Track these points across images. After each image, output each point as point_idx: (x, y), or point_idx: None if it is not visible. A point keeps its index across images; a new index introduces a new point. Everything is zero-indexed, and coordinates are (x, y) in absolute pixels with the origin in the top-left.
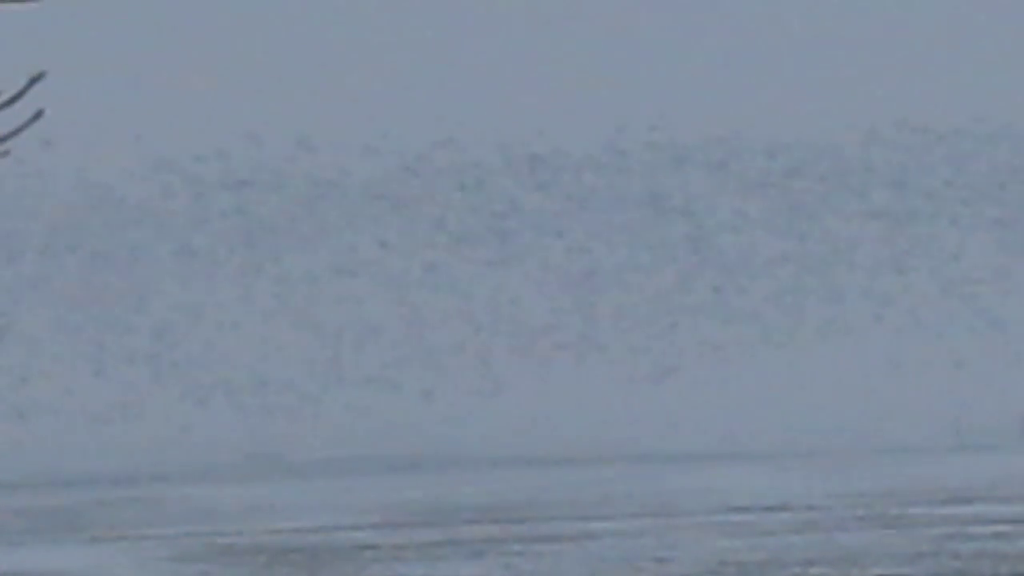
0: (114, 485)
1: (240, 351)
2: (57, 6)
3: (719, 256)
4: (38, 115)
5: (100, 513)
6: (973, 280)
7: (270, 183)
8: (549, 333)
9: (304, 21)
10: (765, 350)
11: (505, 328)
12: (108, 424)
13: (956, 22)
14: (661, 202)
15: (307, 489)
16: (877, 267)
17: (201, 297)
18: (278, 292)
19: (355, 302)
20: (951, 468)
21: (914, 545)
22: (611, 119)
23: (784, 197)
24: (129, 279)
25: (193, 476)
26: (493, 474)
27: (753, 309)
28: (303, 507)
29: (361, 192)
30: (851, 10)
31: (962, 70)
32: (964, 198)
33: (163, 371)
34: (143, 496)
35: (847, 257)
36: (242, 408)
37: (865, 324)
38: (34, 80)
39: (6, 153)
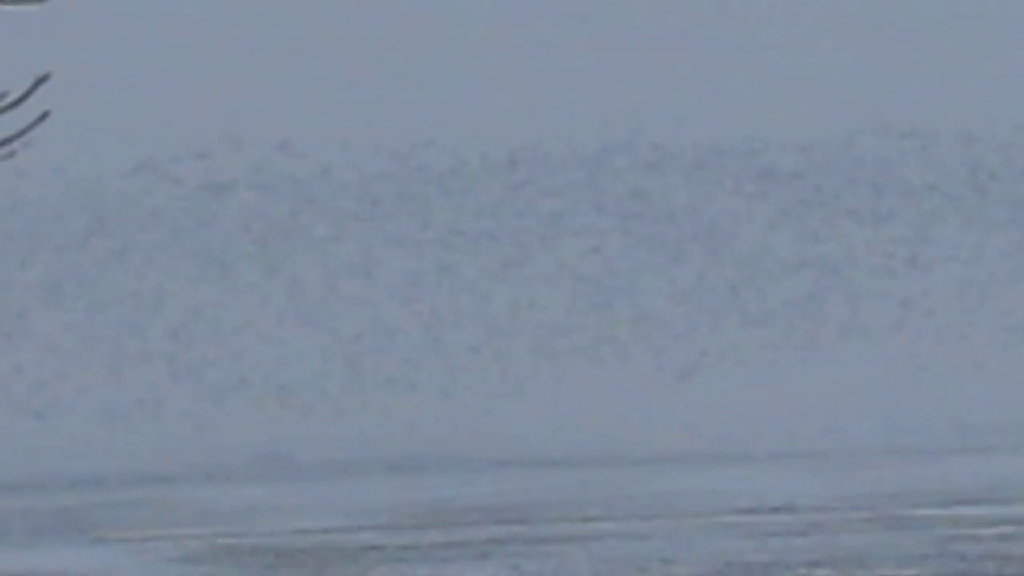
0: (120, 486)
1: (257, 352)
2: (52, 8)
3: (735, 258)
4: (44, 116)
5: (106, 514)
6: (992, 281)
7: (276, 185)
8: (567, 334)
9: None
10: (785, 352)
11: (523, 329)
12: (125, 424)
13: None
14: (672, 203)
15: (312, 490)
16: (895, 269)
17: (216, 298)
18: (293, 293)
19: (370, 303)
20: (956, 470)
21: (919, 546)
22: (622, 122)
23: (798, 198)
24: (144, 281)
25: (199, 477)
26: (498, 475)
27: (772, 311)
28: (308, 508)
29: (371, 194)
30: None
31: (976, 74)
32: (980, 200)
33: (180, 371)
34: (149, 497)
35: (865, 259)
36: (261, 408)
37: (884, 327)
38: (40, 81)
39: (12, 154)
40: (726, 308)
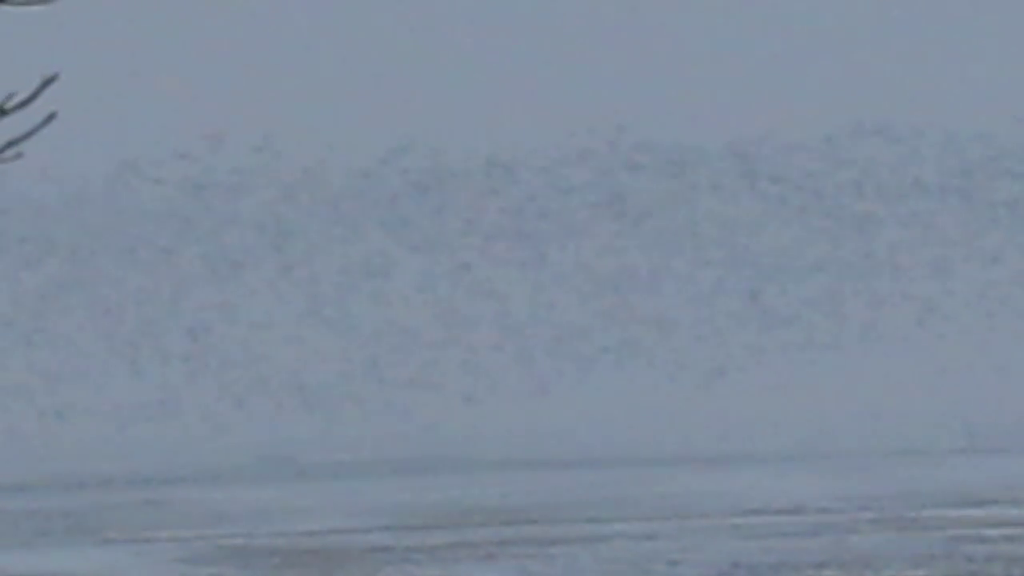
0: (128, 487)
1: (275, 352)
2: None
3: (753, 260)
4: (51, 117)
5: (112, 515)
6: (1014, 283)
7: (287, 186)
8: (588, 335)
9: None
10: (806, 354)
11: (543, 330)
12: (144, 423)
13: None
14: (684, 204)
15: (319, 491)
16: (916, 271)
17: (232, 299)
18: (310, 294)
19: (388, 304)
20: (963, 471)
21: (927, 547)
22: (631, 123)
23: (815, 200)
24: (160, 281)
25: (206, 478)
26: (506, 477)
27: (792, 314)
28: (315, 509)
29: (386, 194)
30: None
31: (987, 74)
32: (1001, 200)
33: (197, 371)
34: (156, 498)
35: (887, 261)
36: (282, 409)
37: (905, 329)
38: (47, 82)
39: (19, 155)
40: (746, 310)
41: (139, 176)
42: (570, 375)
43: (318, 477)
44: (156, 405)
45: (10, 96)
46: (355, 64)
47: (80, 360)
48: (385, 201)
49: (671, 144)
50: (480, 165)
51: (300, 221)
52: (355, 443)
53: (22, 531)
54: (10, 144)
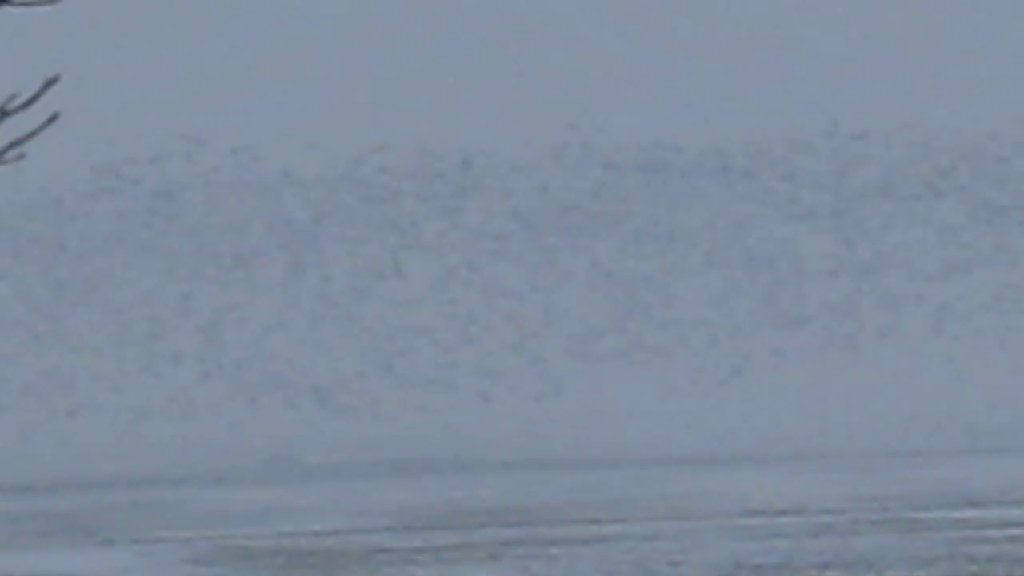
0: (130, 487)
1: (289, 352)
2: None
3: (767, 261)
4: (53, 118)
5: (115, 516)
6: None
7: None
8: (603, 336)
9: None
10: (824, 356)
11: (558, 331)
12: (158, 422)
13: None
14: (701, 205)
15: (322, 492)
16: (932, 273)
17: (243, 299)
18: (322, 295)
19: (401, 304)
20: (966, 472)
21: (929, 548)
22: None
23: (826, 200)
24: (171, 282)
25: (210, 479)
26: (508, 477)
27: (808, 316)
28: (318, 510)
29: (393, 195)
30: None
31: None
32: (1016, 203)
33: (211, 371)
34: (158, 499)
35: (903, 263)
36: (296, 408)
37: (921, 331)
38: (49, 83)
39: (22, 156)
40: (761, 312)
41: (144, 176)
42: (585, 376)
43: (321, 477)
44: (168, 406)
45: (12, 97)
46: (335, 64)
47: (92, 360)
48: (393, 201)
49: (677, 145)
50: (491, 165)
51: (310, 224)
52: (367, 443)
53: (24, 532)
54: (12, 145)
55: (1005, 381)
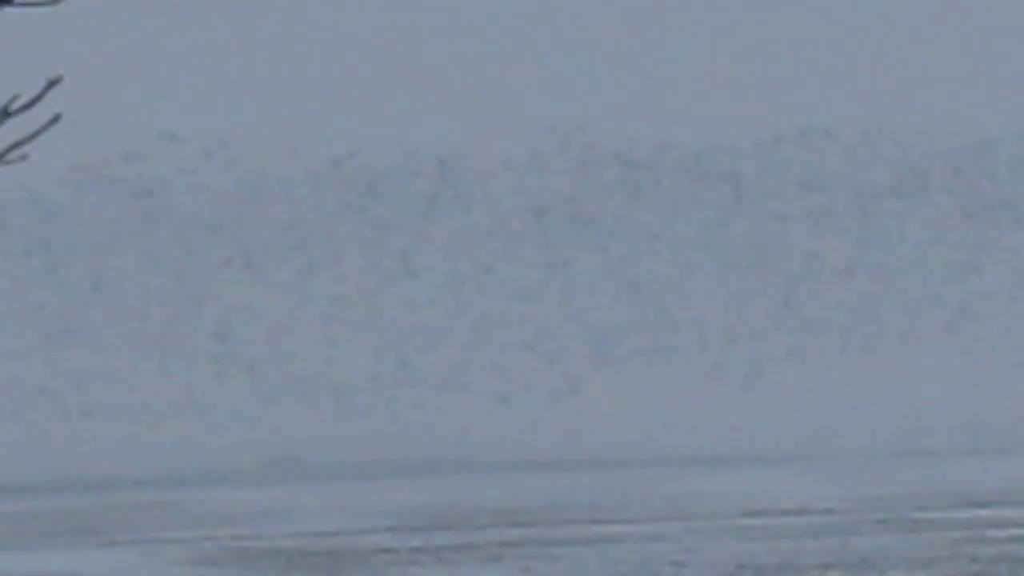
0: (132, 488)
1: (302, 352)
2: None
3: (783, 263)
4: (56, 119)
5: (117, 516)
6: None
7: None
8: (621, 337)
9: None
10: (840, 357)
11: (574, 332)
12: (173, 422)
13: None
14: (717, 207)
15: (324, 493)
16: (947, 274)
17: (258, 299)
18: (336, 295)
19: (415, 305)
20: (968, 472)
21: (932, 549)
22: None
23: (842, 202)
24: (184, 282)
25: (211, 479)
26: (511, 477)
27: (825, 317)
28: (321, 511)
29: (403, 195)
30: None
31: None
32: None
33: (226, 371)
34: (161, 499)
35: (918, 265)
36: (313, 408)
37: (938, 332)
38: (52, 84)
39: (24, 156)
40: (778, 314)
41: (145, 176)
42: (603, 376)
43: (324, 478)
44: (181, 406)
45: (15, 97)
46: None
47: (105, 360)
48: (404, 201)
49: (690, 146)
50: (499, 165)
51: (324, 224)
52: (384, 443)
53: (26, 532)
54: (15, 145)
55: (1020, 381)
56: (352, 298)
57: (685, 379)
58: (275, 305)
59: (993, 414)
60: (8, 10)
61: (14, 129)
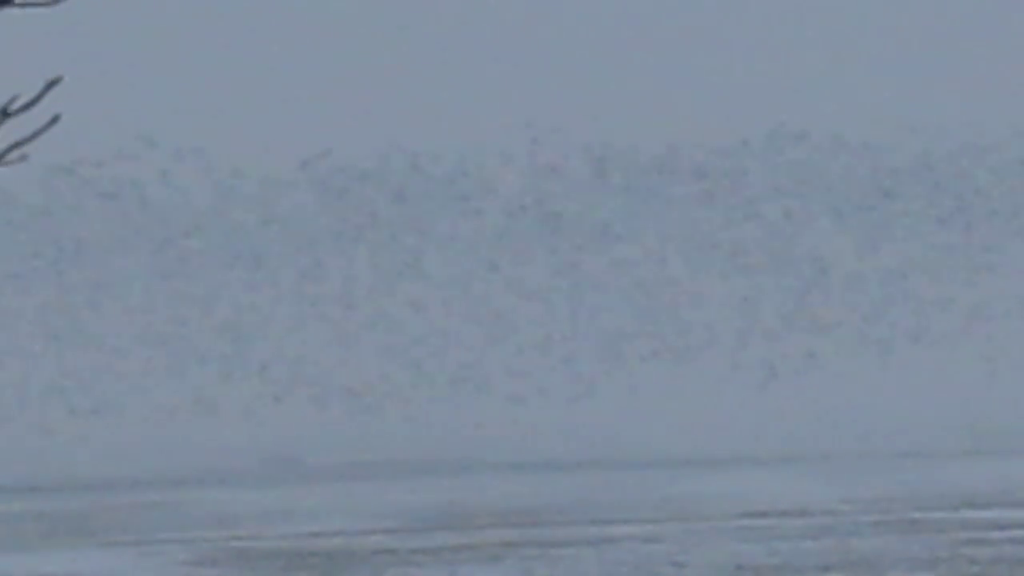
0: (131, 489)
1: (312, 353)
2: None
3: (792, 265)
4: (55, 120)
5: (116, 517)
6: None
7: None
8: (632, 339)
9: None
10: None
11: (587, 332)
12: (181, 422)
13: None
14: (726, 208)
15: (324, 493)
16: (959, 276)
17: (266, 300)
18: (344, 296)
19: (424, 306)
20: (967, 473)
21: (931, 550)
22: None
23: (853, 203)
24: (193, 283)
25: (211, 480)
26: (510, 478)
27: (837, 320)
28: (320, 511)
29: (411, 197)
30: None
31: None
32: None
33: (235, 372)
34: (159, 500)
35: (931, 267)
36: (325, 408)
37: (951, 333)
38: (51, 85)
39: (24, 157)
40: (791, 315)
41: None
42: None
43: (323, 479)
44: (191, 406)
45: (14, 98)
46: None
47: (114, 360)
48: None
49: (693, 146)
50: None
51: (331, 226)
52: (397, 443)
53: (26, 533)
54: (15, 146)
55: None
56: (362, 300)
57: (701, 380)
58: (283, 306)
59: (1007, 416)
60: (5, 11)
61: (13, 130)
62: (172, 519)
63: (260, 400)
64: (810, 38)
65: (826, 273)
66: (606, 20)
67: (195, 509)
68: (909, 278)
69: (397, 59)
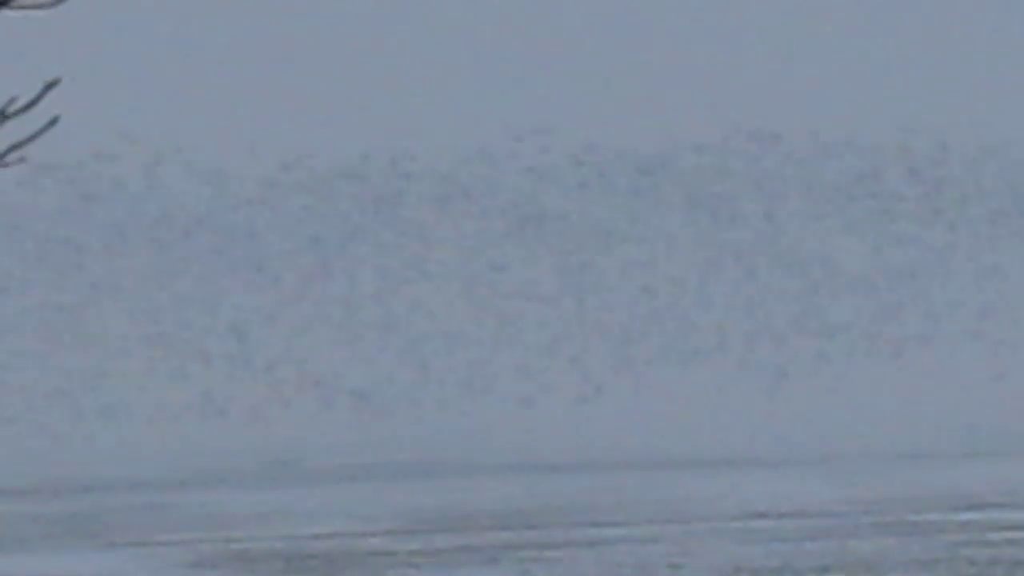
0: (130, 490)
1: (320, 354)
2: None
3: (799, 268)
4: (53, 121)
5: (115, 518)
6: None
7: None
8: (642, 340)
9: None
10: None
11: (594, 334)
12: (189, 424)
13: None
14: (733, 208)
15: (322, 495)
16: (966, 278)
17: (271, 301)
18: (350, 297)
19: (430, 306)
20: (966, 474)
21: (929, 551)
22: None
23: (861, 204)
24: (199, 285)
25: (212, 481)
26: (508, 480)
27: (844, 322)
28: (319, 513)
29: (414, 197)
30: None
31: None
32: None
33: (243, 373)
34: (159, 501)
35: (937, 268)
36: (332, 409)
37: (961, 336)
38: (49, 86)
39: (22, 159)
40: (800, 317)
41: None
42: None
43: (322, 480)
44: (198, 408)
45: (12, 100)
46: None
47: (120, 361)
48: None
49: (698, 147)
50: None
51: (335, 226)
52: (423, 444)
53: (25, 534)
54: (13, 147)
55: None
56: (367, 301)
57: (712, 383)
58: (288, 307)
59: (1009, 417)
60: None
61: (11, 131)
62: (171, 520)
63: (267, 402)
64: (818, 40)
65: (835, 275)
66: (607, 20)
67: (195, 510)
68: (918, 280)
69: (397, 59)
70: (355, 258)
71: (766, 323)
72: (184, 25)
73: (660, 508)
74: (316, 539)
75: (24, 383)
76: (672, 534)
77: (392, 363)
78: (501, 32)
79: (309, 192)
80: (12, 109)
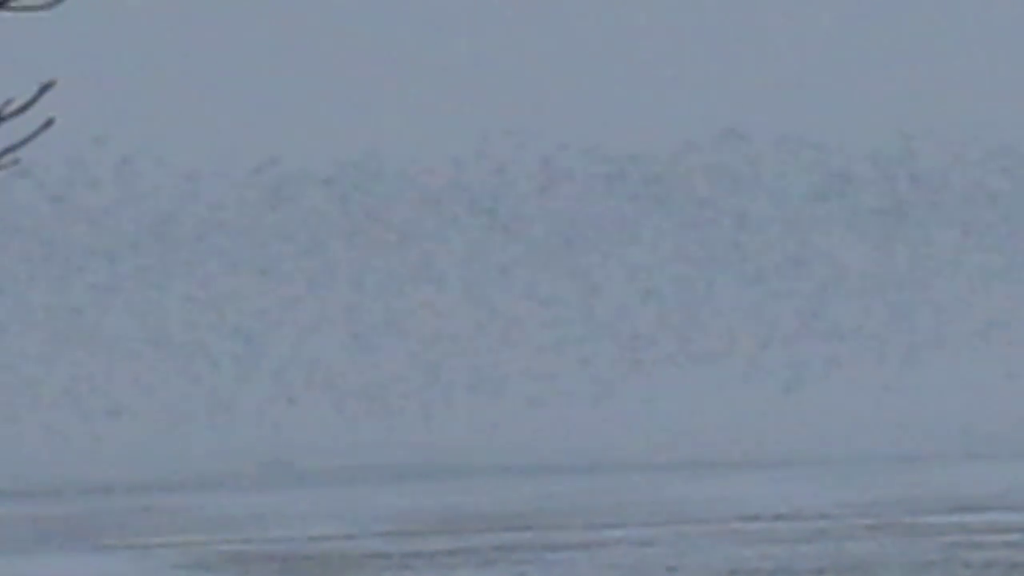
0: (126, 492)
1: (326, 356)
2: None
3: (808, 271)
4: (48, 123)
5: (110, 521)
6: None
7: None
8: (651, 344)
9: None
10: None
11: (602, 336)
12: (196, 426)
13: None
14: (737, 209)
15: (318, 497)
16: (975, 281)
17: (274, 303)
18: (355, 298)
19: (437, 308)
20: (962, 476)
21: (925, 554)
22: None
23: (867, 206)
24: (204, 286)
25: (211, 483)
26: (505, 482)
27: (854, 325)
28: (314, 515)
29: (419, 198)
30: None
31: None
32: None
33: (250, 374)
34: (155, 504)
35: (945, 270)
36: (341, 411)
37: (971, 339)
38: (45, 88)
39: (17, 161)
40: (810, 320)
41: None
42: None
43: (317, 482)
44: (204, 409)
45: (8, 102)
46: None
47: (127, 363)
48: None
49: (705, 149)
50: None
51: (338, 226)
52: (418, 448)
53: (20, 537)
54: (8, 150)
55: None
56: (373, 302)
57: (722, 385)
58: (294, 309)
59: (1009, 419)
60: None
61: (9, 133)
62: (166, 522)
63: (274, 403)
64: (818, 40)
65: (843, 279)
66: (606, 21)
67: (191, 512)
68: (927, 284)
69: (397, 59)
70: (360, 260)
71: (775, 326)
72: (185, 26)
73: (657, 510)
74: (312, 541)
75: (29, 383)
76: (668, 536)
77: (400, 364)
78: (501, 32)
79: (312, 193)
80: (8, 111)
